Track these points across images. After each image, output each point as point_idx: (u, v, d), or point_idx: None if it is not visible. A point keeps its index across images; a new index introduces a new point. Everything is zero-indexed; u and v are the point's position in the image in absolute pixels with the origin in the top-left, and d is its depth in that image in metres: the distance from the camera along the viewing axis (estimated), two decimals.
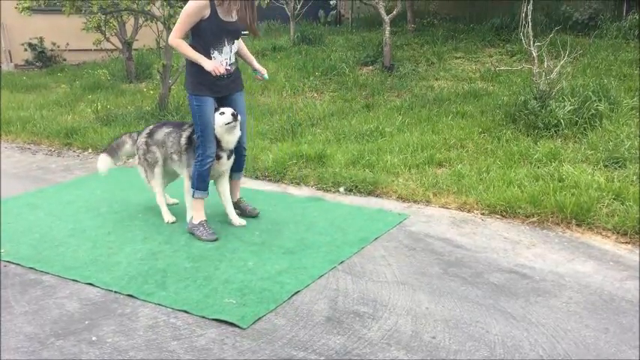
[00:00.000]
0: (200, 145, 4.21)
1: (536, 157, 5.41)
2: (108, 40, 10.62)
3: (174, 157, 4.49)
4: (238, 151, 4.49)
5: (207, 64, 4.06)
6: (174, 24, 6.95)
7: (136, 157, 4.72)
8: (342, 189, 5.25)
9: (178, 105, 7.55)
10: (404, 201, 4.95)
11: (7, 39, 13.38)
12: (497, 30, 10.76)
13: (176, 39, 4.12)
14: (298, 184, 5.49)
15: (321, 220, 4.56)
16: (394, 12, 9.60)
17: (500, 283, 3.49)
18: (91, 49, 11.41)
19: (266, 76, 4.59)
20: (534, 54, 6.44)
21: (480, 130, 6.36)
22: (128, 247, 4.10)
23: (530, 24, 6.54)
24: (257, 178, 5.71)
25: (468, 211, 4.67)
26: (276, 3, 11.84)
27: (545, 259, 3.82)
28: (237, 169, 4.60)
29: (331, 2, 12.36)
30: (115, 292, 3.45)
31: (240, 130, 4.38)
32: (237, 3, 4.13)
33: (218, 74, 4.08)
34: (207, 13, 4.06)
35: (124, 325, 3.09)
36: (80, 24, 10.08)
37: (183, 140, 4.42)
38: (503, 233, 4.26)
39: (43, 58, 13.63)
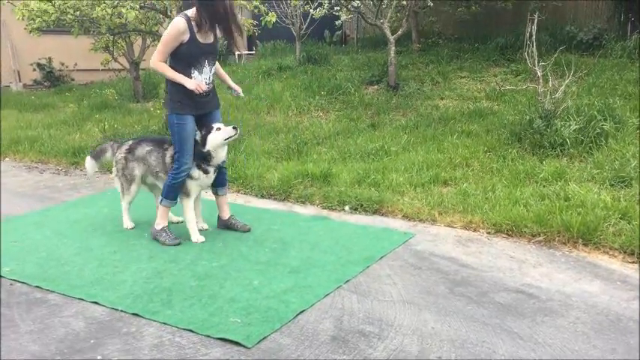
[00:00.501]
0: (177, 159, 4.45)
1: (541, 176, 5.41)
2: (116, 60, 10.74)
3: (161, 175, 4.70)
4: (219, 166, 4.69)
5: (189, 83, 4.30)
6: None
7: (114, 169, 4.91)
8: (347, 208, 5.25)
9: None
10: (409, 220, 4.94)
11: (16, 59, 13.53)
12: (502, 50, 10.81)
13: (158, 62, 4.35)
14: (304, 202, 5.50)
15: (327, 239, 4.56)
16: (399, 32, 9.66)
17: (507, 303, 3.47)
18: (98, 69, 11.56)
19: (241, 94, 4.85)
20: (539, 73, 6.47)
21: (486, 149, 6.37)
22: (134, 266, 4.10)
23: (534, 44, 6.57)
24: (263, 196, 5.73)
25: (474, 230, 4.66)
26: (282, 23, 11.96)
27: (551, 278, 3.80)
28: (220, 184, 4.81)
29: (337, 22, 12.44)
30: (121, 310, 3.45)
31: None
32: (216, 27, 4.35)
33: (200, 92, 4.31)
34: (186, 37, 4.28)
35: (129, 344, 3.09)
36: (88, 44, 10.21)
37: (168, 159, 4.63)
38: (509, 252, 4.24)
39: (52, 78, 13.78)
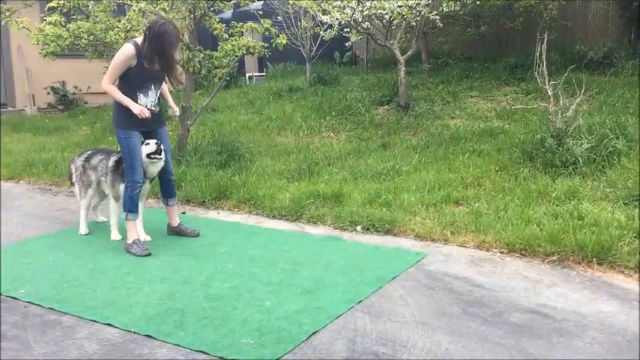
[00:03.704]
0: (128, 172, 4.84)
1: (554, 195, 5.38)
2: None
3: (103, 179, 5.20)
4: (166, 178, 5.15)
5: (135, 108, 4.72)
6: (193, 67, 7.16)
7: (73, 175, 5.43)
8: (359, 228, 5.25)
9: (197, 145, 7.65)
10: (421, 240, 4.93)
11: (31, 83, 13.71)
12: (512, 69, 10.82)
13: (108, 84, 4.79)
14: (315, 223, 5.50)
15: (339, 260, 4.55)
16: (409, 52, 9.72)
17: (522, 323, 3.44)
18: None
19: (177, 113, 5.41)
20: (550, 92, 6.46)
21: (497, 168, 6.35)
22: (147, 287, 4.11)
23: (544, 63, 6.58)
24: (274, 217, 5.73)
25: (487, 250, 4.63)
26: (293, 45, 12.07)
27: (566, 298, 3.76)
28: (168, 195, 5.23)
29: (347, 44, 12.54)
30: (134, 332, 3.45)
31: (166, 159, 4.99)
32: (160, 61, 4.73)
33: (143, 117, 4.70)
34: (134, 62, 4.71)
35: None
36: (102, 67, 10.30)
37: (110, 163, 5.11)
38: (523, 272, 4.21)
39: (65, 101, 13.92)
